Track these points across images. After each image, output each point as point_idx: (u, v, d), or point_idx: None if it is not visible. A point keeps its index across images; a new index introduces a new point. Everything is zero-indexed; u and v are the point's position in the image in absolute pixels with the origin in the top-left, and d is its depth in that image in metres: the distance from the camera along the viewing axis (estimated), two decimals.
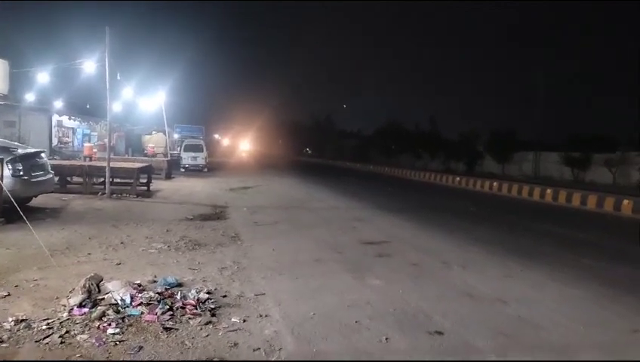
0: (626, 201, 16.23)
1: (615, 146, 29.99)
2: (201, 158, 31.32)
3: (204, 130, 45.02)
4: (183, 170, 30.05)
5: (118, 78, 15.22)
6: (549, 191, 20.16)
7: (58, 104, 28.96)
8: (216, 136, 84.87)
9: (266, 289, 6.03)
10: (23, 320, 4.61)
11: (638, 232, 11.78)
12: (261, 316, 5.14)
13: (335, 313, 5.29)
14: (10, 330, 4.41)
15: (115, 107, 33.08)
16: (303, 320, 5.08)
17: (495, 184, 24.04)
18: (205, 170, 30.91)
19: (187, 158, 31.05)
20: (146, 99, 27.92)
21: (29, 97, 26.40)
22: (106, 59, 13.98)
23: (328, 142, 75.20)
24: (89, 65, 14.75)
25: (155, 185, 18.76)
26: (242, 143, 79.80)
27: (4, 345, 4.16)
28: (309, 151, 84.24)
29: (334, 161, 58.20)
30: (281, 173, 32.01)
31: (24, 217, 7.56)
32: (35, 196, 11.86)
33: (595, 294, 6.45)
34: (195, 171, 30.01)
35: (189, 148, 31.74)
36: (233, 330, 4.73)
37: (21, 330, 4.43)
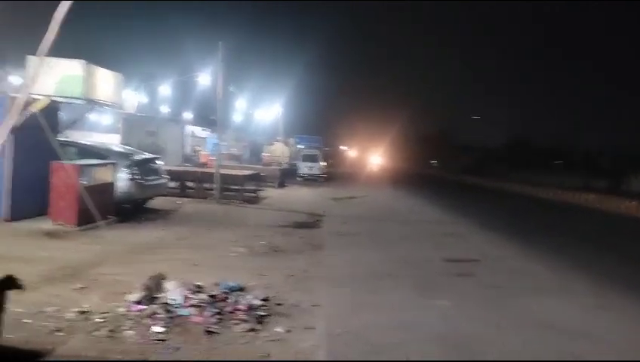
0: None
1: None
2: (316, 168, 32.03)
3: (321, 140, 46.04)
4: (299, 178, 30.91)
5: (231, 90, 16.12)
6: None
7: (188, 116, 31.58)
8: (343, 147, 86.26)
9: (324, 301, 5.86)
10: (84, 312, 4.95)
11: None
12: (306, 328, 4.98)
13: (384, 331, 4.97)
14: (69, 320, 4.75)
15: (236, 118, 35.44)
16: (346, 335, 4.84)
17: (634, 204, 21.22)
18: (321, 179, 31.47)
19: (304, 168, 31.95)
20: (264, 110, 29.35)
21: (164, 110, 29.08)
22: (219, 73, 14.90)
23: (452, 155, 72.73)
24: (204, 78, 15.85)
25: (266, 192, 19.46)
26: (372, 156, 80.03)
27: (60, 333, 4.48)
28: (435, 164, 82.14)
29: (455, 174, 55.97)
30: (395, 185, 31.50)
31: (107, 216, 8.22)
32: (151, 198, 12.89)
33: None
34: (310, 180, 30.66)
35: (306, 158, 32.63)
36: (273, 340, 4.63)
37: (79, 321, 4.75)
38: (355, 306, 5.78)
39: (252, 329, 4.83)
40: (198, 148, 35.56)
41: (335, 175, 37.43)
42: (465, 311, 5.76)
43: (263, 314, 5.24)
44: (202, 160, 23.24)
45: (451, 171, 60.60)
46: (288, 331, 4.86)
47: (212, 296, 5.46)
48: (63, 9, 4.86)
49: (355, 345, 4.64)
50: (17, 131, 7.68)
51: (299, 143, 40.00)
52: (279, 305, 5.61)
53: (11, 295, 3.92)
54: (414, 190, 27.94)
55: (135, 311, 5.02)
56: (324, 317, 5.33)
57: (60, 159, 8.78)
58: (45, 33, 5.24)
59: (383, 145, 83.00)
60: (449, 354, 4.54)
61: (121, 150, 12.26)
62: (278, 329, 4.87)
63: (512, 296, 6.54)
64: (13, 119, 5.53)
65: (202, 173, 17.08)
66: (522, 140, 52.32)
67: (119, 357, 4.09)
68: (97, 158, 10.65)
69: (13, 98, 7.23)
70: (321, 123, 76.57)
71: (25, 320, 4.61)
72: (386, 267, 7.85)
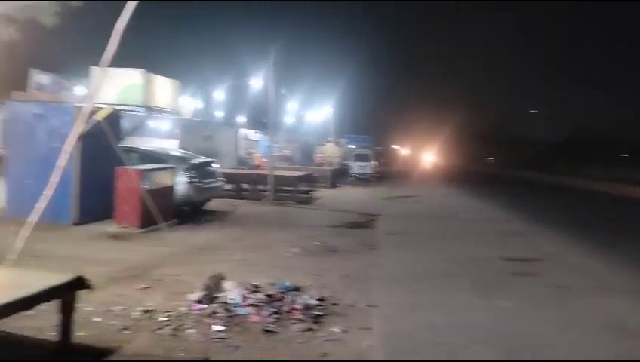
0: None
1: None
2: (368, 168, 32.01)
3: (372, 139, 45.88)
4: (351, 178, 30.90)
5: (283, 92, 16.36)
6: None
7: (241, 119, 32.20)
8: (395, 146, 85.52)
9: (380, 301, 5.83)
10: (149, 311, 5.15)
11: None
12: (363, 328, 4.97)
13: (442, 333, 4.89)
14: (135, 319, 4.96)
15: (287, 119, 35.85)
16: (404, 336, 4.80)
17: None
18: (373, 179, 31.35)
19: (355, 167, 31.99)
20: (315, 111, 29.58)
21: (218, 114, 29.80)
22: (271, 77, 15.15)
23: (509, 151, 70.68)
24: (256, 82, 16.16)
25: (319, 193, 19.54)
26: (425, 154, 78.74)
27: (127, 331, 4.68)
28: (491, 160, 79.96)
29: (513, 170, 54.25)
30: (449, 184, 30.91)
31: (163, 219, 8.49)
32: (208, 200, 13.23)
33: None
34: (362, 180, 30.56)
35: (358, 158, 32.68)
36: (330, 340, 4.66)
37: (144, 320, 4.95)
38: (411, 306, 5.72)
39: (309, 329, 4.87)
40: (251, 150, 36.23)
41: (387, 174, 37.18)
42: (526, 312, 5.59)
43: (319, 313, 5.27)
44: (256, 162, 23.61)
45: (509, 167, 58.84)
46: (345, 331, 4.86)
47: (269, 296, 5.54)
48: (124, 20, 5.09)
49: (412, 346, 4.60)
50: (83, 139, 8.13)
51: (349, 143, 40.02)
52: (335, 305, 5.63)
53: (81, 294, 4.14)
54: (469, 188, 27.29)
55: (196, 310, 5.17)
56: (381, 317, 5.30)
57: (122, 164, 9.18)
58: (106, 44, 5.52)
59: (436, 143, 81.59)
60: (509, 356, 4.41)
61: (180, 154, 12.66)
62: (335, 329, 4.89)
63: (576, 296, 6.29)
64: (79, 128, 5.85)
65: (256, 174, 17.40)
66: (585, 134, 50.00)
67: (182, 356, 4.23)
68: (157, 163, 11.05)
69: (79, 108, 7.62)
70: (372, 122, 75.93)
71: (94, 319, 4.85)
72: (442, 266, 7.73)
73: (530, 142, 71.03)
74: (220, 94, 29.31)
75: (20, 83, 18.94)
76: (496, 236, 10.81)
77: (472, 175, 44.70)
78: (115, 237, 8.88)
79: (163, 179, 10.51)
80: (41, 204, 5.61)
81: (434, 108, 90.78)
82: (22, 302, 3.50)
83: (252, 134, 35.94)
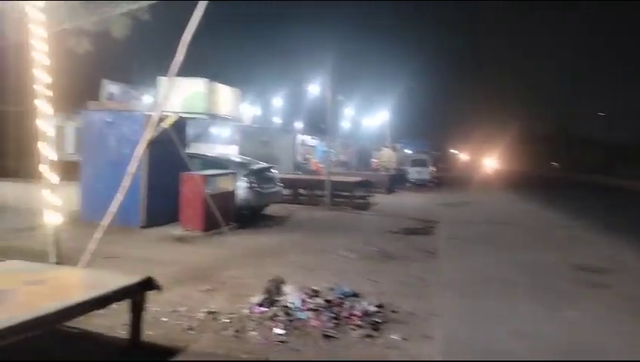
0: None
1: None
2: (425, 173, 31.44)
3: (429, 144, 45.20)
4: (408, 184, 30.49)
5: (340, 98, 16.41)
6: None
7: (298, 125, 32.57)
8: (454, 151, 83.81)
9: (440, 309, 5.74)
10: (212, 312, 5.31)
11: None
12: (423, 336, 4.91)
13: (503, 343, 4.75)
14: (200, 320, 5.13)
15: (344, 124, 35.89)
16: (464, 346, 4.71)
17: None
18: (431, 184, 30.80)
19: (413, 173, 31.52)
20: (371, 116, 29.49)
21: (276, 120, 30.29)
22: (328, 84, 15.25)
23: (575, 154, 67.51)
24: (314, 89, 16.32)
25: (376, 198, 19.43)
26: (485, 159, 76.61)
27: (192, 332, 4.85)
28: (556, 165, 76.57)
29: (578, 174, 51.69)
30: (511, 189, 29.85)
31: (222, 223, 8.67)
32: (267, 205, 13.48)
33: None
34: (420, 186, 30.07)
35: (415, 163, 32.20)
36: (389, 347, 4.64)
37: (208, 321, 5.11)
38: (473, 315, 5.59)
39: (368, 336, 4.86)
40: (308, 156, 36.52)
41: (445, 180, 36.38)
42: (595, 324, 5.33)
43: (378, 320, 5.25)
44: (313, 167, 23.76)
45: (575, 171, 56.15)
46: (405, 339, 4.82)
47: (328, 301, 5.57)
48: (190, 31, 5.30)
49: (474, 355, 4.49)
50: (151, 145, 8.49)
51: (406, 148, 39.54)
52: (394, 312, 5.58)
53: (149, 295, 4.33)
54: (533, 194, 26.24)
55: (257, 313, 5.28)
56: (441, 325, 5.22)
57: (187, 170, 9.51)
58: (171, 55, 5.77)
59: (497, 148, 79.08)
60: None
61: (240, 160, 12.98)
62: (395, 337, 4.85)
63: None
64: (148, 135, 6.13)
65: (313, 180, 17.51)
66: None
67: (245, 357, 4.33)
68: (219, 169, 11.38)
69: (148, 116, 7.97)
70: (430, 126, 74.89)
71: (162, 319, 5.05)
72: (504, 274, 7.49)
73: (598, 144, 67.57)
74: (278, 101, 29.96)
75: (93, 93, 20.06)
76: (561, 242, 10.39)
77: (535, 180, 42.92)
78: (180, 239, 9.22)
79: (224, 184, 10.80)
80: (113, 208, 5.91)
81: (494, 112, 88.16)
82: (97, 301, 3.71)
83: (309, 140, 36.29)
